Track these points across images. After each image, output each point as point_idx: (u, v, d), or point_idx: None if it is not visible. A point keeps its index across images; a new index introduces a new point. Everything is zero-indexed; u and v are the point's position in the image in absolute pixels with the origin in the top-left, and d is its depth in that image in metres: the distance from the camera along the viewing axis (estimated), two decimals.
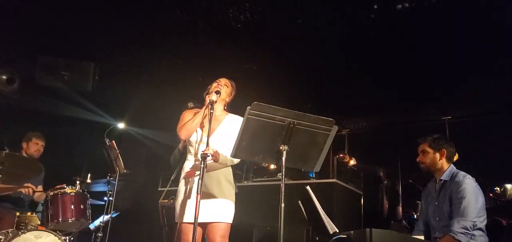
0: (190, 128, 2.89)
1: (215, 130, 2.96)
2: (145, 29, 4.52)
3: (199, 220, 2.75)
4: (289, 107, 2.26)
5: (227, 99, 3.09)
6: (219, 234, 2.80)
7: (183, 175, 2.97)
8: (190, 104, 4.01)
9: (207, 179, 2.82)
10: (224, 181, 2.92)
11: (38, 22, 4.50)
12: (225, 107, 3.13)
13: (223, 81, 3.07)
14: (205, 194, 2.82)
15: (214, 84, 3.03)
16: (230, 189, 2.94)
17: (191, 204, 2.81)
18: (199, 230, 2.82)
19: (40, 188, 4.42)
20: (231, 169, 3.06)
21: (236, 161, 2.95)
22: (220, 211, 2.83)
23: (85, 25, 4.50)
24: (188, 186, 2.89)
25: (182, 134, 2.92)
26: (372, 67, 4.94)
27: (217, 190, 2.86)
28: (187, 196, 2.85)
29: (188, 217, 2.80)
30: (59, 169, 4.90)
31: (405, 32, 4.13)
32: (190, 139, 2.96)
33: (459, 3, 3.62)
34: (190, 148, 2.99)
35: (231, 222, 2.88)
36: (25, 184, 4.07)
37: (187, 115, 3.01)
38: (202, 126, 2.94)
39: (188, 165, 2.96)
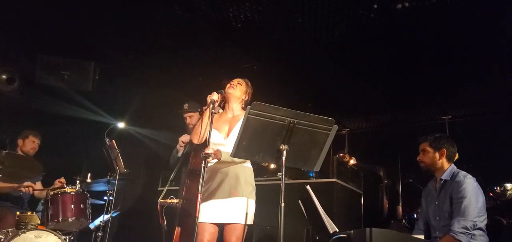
0: (199, 132, 2.91)
1: (233, 129, 2.96)
2: (145, 28, 4.52)
3: (216, 220, 2.80)
4: (289, 107, 2.26)
5: (243, 97, 3.08)
6: (234, 235, 2.78)
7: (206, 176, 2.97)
8: (186, 106, 4.04)
9: (224, 178, 2.84)
10: (243, 181, 2.88)
11: (38, 22, 4.50)
12: (243, 106, 3.10)
13: (236, 81, 3.08)
14: (222, 192, 2.83)
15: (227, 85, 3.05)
16: (250, 189, 2.90)
17: (207, 204, 2.82)
18: (215, 229, 2.84)
19: (39, 185, 4.42)
20: (252, 170, 3.02)
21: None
22: (237, 212, 2.80)
23: (85, 25, 4.50)
24: (206, 187, 2.88)
25: (195, 139, 2.96)
26: (372, 66, 4.94)
27: (234, 189, 2.84)
28: (204, 197, 2.85)
29: (204, 217, 2.79)
30: (59, 168, 4.90)
31: (405, 31, 4.13)
32: (211, 140, 2.93)
33: (459, 3, 3.62)
34: None
35: (248, 223, 2.83)
36: (25, 183, 4.08)
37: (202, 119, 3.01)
38: (216, 127, 2.94)
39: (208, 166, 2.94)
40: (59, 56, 5.04)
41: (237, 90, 3.03)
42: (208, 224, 2.81)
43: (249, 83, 3.15)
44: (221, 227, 2.88)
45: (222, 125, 2.98)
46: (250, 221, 2.84)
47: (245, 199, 2.84)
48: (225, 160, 2.84)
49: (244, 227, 2.82)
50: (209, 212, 2.81)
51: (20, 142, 4.50)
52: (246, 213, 2.83)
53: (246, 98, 3.10)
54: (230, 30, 4.35)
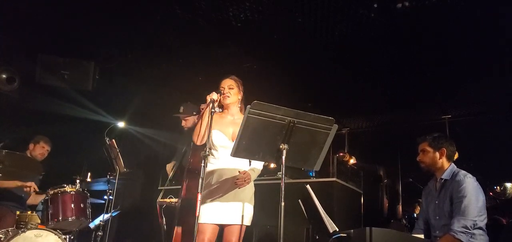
0: (198, 132, 2.89)
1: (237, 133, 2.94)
2: (145, 28, 4.52)
3: (218, 221, 2.80)
4: (289, 106, 2.26)
5: (239, 97, 3.04)
6: (234, 236, 2.82)
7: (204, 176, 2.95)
8: (181, 109, 4.07)
9: (227, 180, 2.83)
10: (248, 185, 2.89)
11: (38, 21, 4.50)
12: (240, 105, 3.06)
13: (227, 86, 3.00)
14: (227, 195, 2.82)
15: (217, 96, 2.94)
16: (251, 193, 2.94)
17: (210, 205, 2.81)
18: (215, 229, 2.83)
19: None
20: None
21: (260, 167, 2.97)
22: (239, 214, 2.83)
23: (85, 24, 4.50)
24: (210, 188, 2.87)
25: (197, 141, 2.91)
26: (372, 66, 4.94)
27: (241, 192, 2.85)
28: (207, 198, 2.84)
29: (206, 218, 2.78)
30: (59, 168, 4.90)
31: (405, 31, 4.13)
32: (215, 141, 2.91)
33: (459, 3, 3.62)
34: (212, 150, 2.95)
35: (249, 224, 2.88)
36: (28, 183, 4.09)
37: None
38: (220, 129, 2.91)
39: (209, 166, 2.90)
40: (59, 56, 5.04)
41: (232, 95, 2.99)
42: (209, 225, 2.79)
43: (239, 80, 3.08)
44: (221, 227, 2.89)
45: (225, 127, 2.95)
46: (249, 222, 2.90)
47: (247, 202, 2.88)
48: (252, 179, 2.87)
49: (245, 228, 2.87)
50: (211, 213, 2.80)
51: (31, 145, 4.56)
52: (247, 215, 2.87)
53: (241, 96, 3.07)
54: (230, 30, 4.35)
